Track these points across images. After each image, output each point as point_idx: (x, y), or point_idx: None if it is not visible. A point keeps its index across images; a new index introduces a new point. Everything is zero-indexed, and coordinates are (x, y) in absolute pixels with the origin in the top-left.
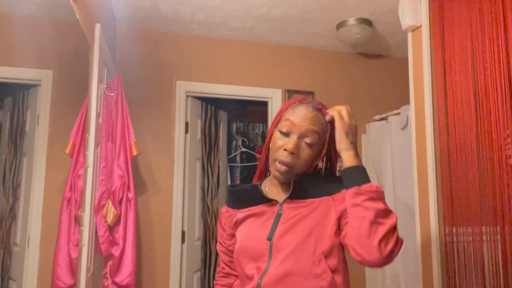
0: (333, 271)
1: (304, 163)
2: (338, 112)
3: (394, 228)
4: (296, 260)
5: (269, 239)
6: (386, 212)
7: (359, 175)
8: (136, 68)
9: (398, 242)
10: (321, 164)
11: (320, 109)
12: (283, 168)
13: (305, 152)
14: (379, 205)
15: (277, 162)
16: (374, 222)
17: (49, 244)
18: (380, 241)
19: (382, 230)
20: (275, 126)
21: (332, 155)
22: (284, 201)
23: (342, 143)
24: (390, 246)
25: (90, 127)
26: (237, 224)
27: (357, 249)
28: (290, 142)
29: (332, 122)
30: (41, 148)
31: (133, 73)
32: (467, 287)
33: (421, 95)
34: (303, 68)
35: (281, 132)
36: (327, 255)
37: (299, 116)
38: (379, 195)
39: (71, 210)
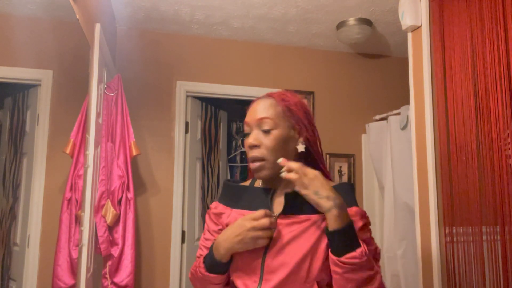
0: None
1: (272, 151)
2: (298, 185)
3: None
4: (288, 287)
5: (262, 256)
6: (368, 280)
7: (341, 241)
8: (136, 68)
9: None
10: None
11: (269, 96)
12: (255, 165)
13: (266, 140)
14: (361, 275)
15: (249, 163)
16: None
17: (49, 244)
18: None
19: None
20: None
21: (313, 145)
22: (279, 215)
23: (320, 207)
24: None
25: (90, 127)
26: (228, 225)
27: None
28: (249, 137)
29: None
30: (41, 148)
31: (133, 73)
32: (467, 287)
33: (421, 95)
34: (303, 68)
35: (245, 135)
36: (320, 281)
37: (250, 113)
38: (362, 263)
39: (71, 210)
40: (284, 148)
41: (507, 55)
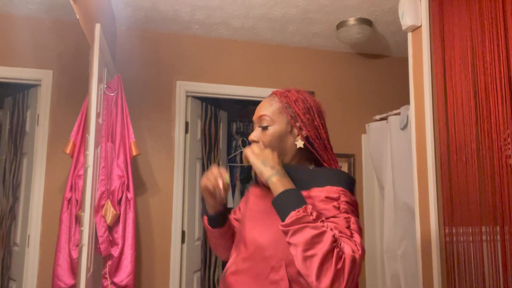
0: (293, 280)
1: (267, 147)
2: (248, 153)
3: (328, 252)
4: (256, 263)
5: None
6: (314, 239)
7: (281, 206)
8: (136, 68)
9: (344, 265)
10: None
11: (273, 93)
12: (244, 161)
13: (264, 136)
14: (305, 235)
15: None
16: (305, 258)
17: (49, 244)
18: (318, 275)
19: (315, 263)
20: None
21: (310, 139)
22: (251, 183)
23: (263, 174)
24: (330, 275)
25: (90, 127)
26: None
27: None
28: (251, 134)
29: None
30: (41, 148)
31: (133, 73)
32: (467, 287)
33: (421, 95)
34: (303, 68)
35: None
36: (289, 263)
37: (256, 111)
38: (304, 220)
39: (71, 210)
40: (281, 143)
41: (507, 55)
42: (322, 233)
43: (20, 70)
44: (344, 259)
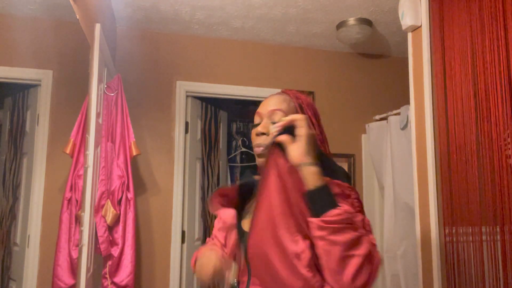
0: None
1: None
2: (298, 119)
3: (367, 255)
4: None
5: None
6: (356, 241)
7: (322, 200)
8: (136, 68)
9: (374, 268)
10: None
11: (284, 92)
12: (258, 150)
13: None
14: (347, 236)
15: (254, 148)
16: (344, 257)
17: (49, 244)
18: (353, 276)
19: (354, 264)
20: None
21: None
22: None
23: (303, 156)
24: (364, 277)
25: (90, 127)
26: None
27: (330, 282)
28: (259, 126)
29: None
30: (41, 148)
31: (133, 73)
32: (467, 287)
33: (421, 95)
34: (303, 68)
35: (254, 126)
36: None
37: (263, 104)
38: (347, 221)
39: (71, 210)
40: None
41: (507, 55)
42: (362, 236)
43: (20, 70)
44: (375, 263)
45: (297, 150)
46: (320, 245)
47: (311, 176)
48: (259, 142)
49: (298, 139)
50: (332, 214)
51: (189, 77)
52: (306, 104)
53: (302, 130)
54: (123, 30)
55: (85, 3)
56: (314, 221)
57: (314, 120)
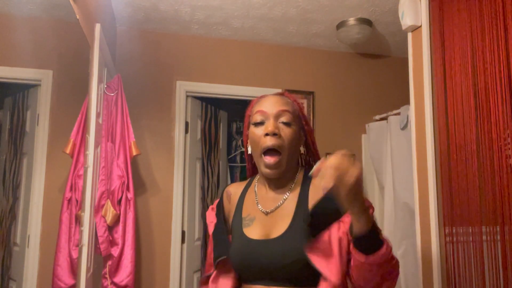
0: None
1: (289, 145)
2: (336, 171)
3: (395, 278)
4: None
5: None
6: (392, 270)
7: (371, 241)
8: (136, 68)
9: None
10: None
11: (283, 95)
12: (273, 159)
13: (286, 131)
14: (386, 268)
15: (264, 158)
16: (381, 284)
17: (49, 244)
18: None
19: (390, 285)
20: (248, 128)
21: (311, 147)
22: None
23: (363, 201)
24: None
25: (90, 127)
26: None
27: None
28: (269, 125)
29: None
30: (41, 148)
31: (133, 73)
32: (467, 287)
33: (421, 95)
34: (303, 68)
35: (256, 124)
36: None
37: (267, 103)
38: (387, 259)
39: (71, 210)
40: (296, 146)
41: (507, 55)
42: (395, 266)
43: (20, 70)
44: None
45: (343, 202)
46: (361, 268)
47: (367, 218)
48: (273, 143)
49: (340, 194)
50: (380, 255)
51: (189, 77)
52: (302, 108)
53: (341, 190)
54: (123, 30)
55: (85, 3)
56: (360, 259)
57: (308, 124)
